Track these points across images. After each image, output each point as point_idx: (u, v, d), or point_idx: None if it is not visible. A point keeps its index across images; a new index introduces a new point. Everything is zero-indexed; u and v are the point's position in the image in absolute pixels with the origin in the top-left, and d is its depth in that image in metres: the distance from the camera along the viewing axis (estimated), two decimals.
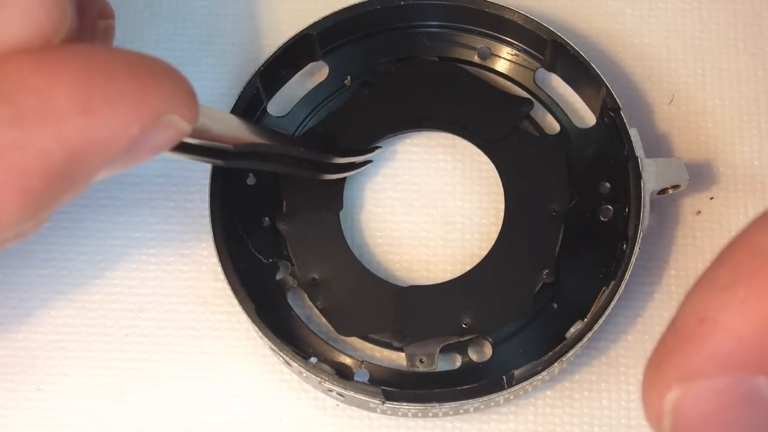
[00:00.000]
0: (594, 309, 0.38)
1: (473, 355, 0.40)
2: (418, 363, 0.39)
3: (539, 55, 0.42)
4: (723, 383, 0.24)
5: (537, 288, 0.40)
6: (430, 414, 0.38)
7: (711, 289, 0.24)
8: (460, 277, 0.40)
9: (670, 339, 0.25)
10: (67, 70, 0.27)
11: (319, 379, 0.37)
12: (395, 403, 0.37)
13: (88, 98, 0.27)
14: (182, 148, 0.32)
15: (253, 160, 0.37)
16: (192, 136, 0.32)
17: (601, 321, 0.37)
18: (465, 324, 0.39)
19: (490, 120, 0.42)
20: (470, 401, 0.37)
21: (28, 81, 0.27)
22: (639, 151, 0.39)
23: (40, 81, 0.27)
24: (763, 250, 0.24)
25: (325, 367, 0.38)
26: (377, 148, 0.41)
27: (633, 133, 0.39)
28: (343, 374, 0.38)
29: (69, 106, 0.27)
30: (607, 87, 0.40)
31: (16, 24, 0.27)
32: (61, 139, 0.27)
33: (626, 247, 0.38)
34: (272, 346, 0.38)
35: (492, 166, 0.42)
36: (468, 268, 0.40)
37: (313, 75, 0.43)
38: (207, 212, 0.39)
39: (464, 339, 0.39)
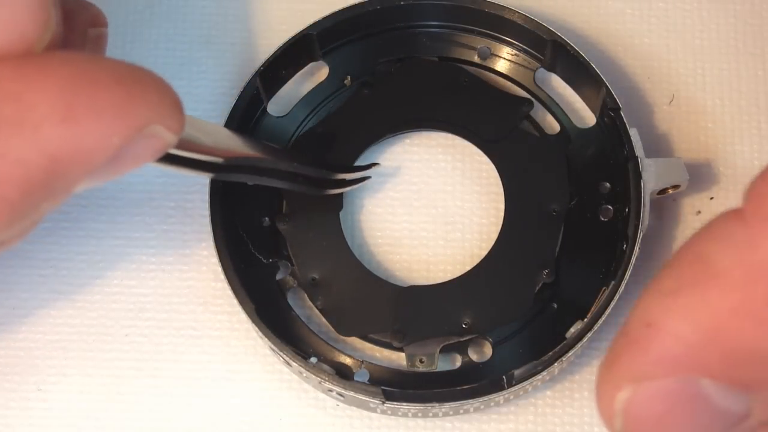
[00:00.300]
0: (594, 309, 0.38)
1: (473, 355, 0.40)
2: (418, 363, 0.39)
3: (539, 55, 0.42)
4: (670, 385, 0.24)
5: (537, 288, 0.40)
6: (430, 414, 0.38)
7: (657, 295, 0.25)
8: (460, 277, 0.40)
9: (620, 341, 0.25)
10: (48, 77, 0.26)
11: (319, 379, 0.37)
12: (395, 403, 0.37)
13: (70, 106, 0.26)
14: (169, 159, 0.32)
15: (244, 173, 0.37)
16: (180, 147, 0.31)
17: (601, 321, 0.37)
18: (465, 324, 0.39)
19: (490, 120, 0.42)
20: (470, 401, 0.37)
21: (5, 87, 0.26)
22: (639, 151, 0.39)
23: (19, 87, 0.26)
24: (706, 257, 0.25)
25: (325, 367, 0.38)
26: (375, 164, 0.41)
27: (633, 133, 0.39)
28: (343, 374, 0.38)
29: (49, 113, 0.26)
30: (607, 87, 0.40)
31: None
32: (40, 147, 0.26)
33: (626, 247, 0.38)
34: (272, 346, 0.38)
35: (492, 166, 0.41)
36: (468, 268, 0.40)
37: (313, 75, 0.43)
38: (207, 212, 0.39)
39: (464, 339, 0.39)
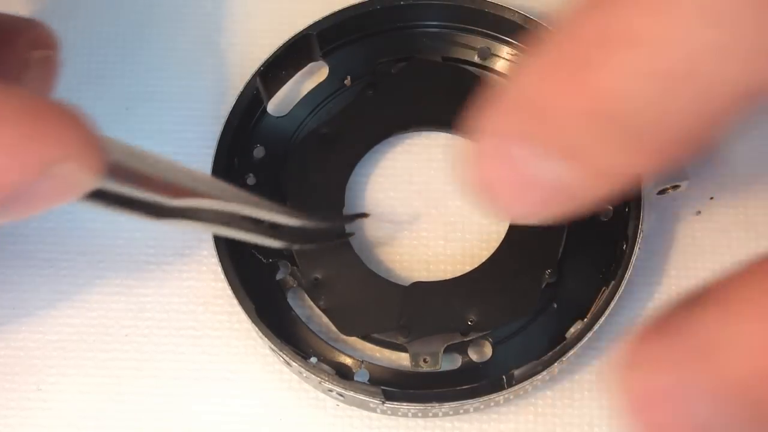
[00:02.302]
0: (594, 309, 0.38)
1: (473, 355, 0.40)
2: (422, 363, 0.39)
3: None
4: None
5: (542, 287, 0.39)
6: (430, 414, 0.38)
7: None
8: (466, 274, 0.40)
9: None
10: None
11: (319, 379, 0.37)
12: (395, 403, 0.37)
13: None
14: (100, 196, 0.28)
15: (198, 219, 0.32)
16: (120, 181, 0.28)
17: (601, 321, 0.37)
18: (470, 321, 0.39)
19: None
20: (470, 401, 0.37)
21: None
22: None
23: None
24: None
25: (325, 367, 0.38)
26: (365, 215, 0.41)
27: None
28: (343, 374, 0.38)
29: None
30: None
31: None
32: None
33: (626, 247, 0.38)
34: (272, 346, 0.38)
35: None
36: (468, 268, 0.40)
37: (313, 75, 0.43)
38: None
39: (469, 338, 0.39)
